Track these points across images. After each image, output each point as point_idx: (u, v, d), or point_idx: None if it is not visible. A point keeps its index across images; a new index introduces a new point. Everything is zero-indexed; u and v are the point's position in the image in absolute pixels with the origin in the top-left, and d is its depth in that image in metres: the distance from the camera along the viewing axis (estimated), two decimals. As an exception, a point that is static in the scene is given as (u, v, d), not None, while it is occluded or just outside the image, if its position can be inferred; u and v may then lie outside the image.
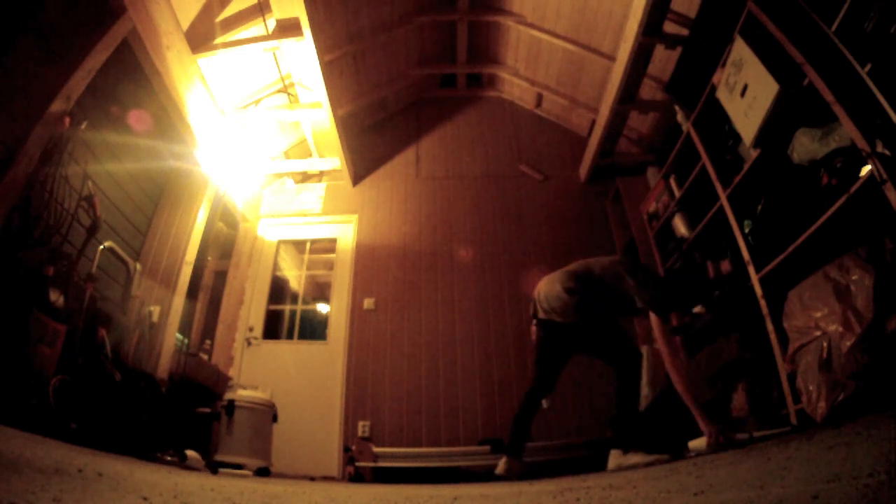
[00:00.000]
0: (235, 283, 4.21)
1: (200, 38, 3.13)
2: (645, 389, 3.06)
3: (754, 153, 2.30)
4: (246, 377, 3.73)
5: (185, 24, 2.94)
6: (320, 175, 4.85)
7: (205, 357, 3.50)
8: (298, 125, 4.54)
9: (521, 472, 2.15)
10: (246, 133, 4.01)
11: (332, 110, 3.79)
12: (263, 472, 2.81)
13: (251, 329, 4.03)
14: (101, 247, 2.67)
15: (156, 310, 3.05)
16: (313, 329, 4.90)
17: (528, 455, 2.43)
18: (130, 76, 2.76)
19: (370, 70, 4.56)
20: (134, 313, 2.89)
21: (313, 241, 4.64)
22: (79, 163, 2.46)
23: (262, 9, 3.33)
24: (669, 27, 3.28)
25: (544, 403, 2.34)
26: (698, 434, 2.54)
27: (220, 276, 4.45)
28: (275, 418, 3.14)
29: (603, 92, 3.84)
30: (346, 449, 3.47)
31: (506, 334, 3.84)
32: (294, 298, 4.47)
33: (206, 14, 3.16)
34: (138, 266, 3.04)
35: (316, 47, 3.25)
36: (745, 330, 2.35)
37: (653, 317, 2.15)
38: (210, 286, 4.55)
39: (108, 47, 2.34)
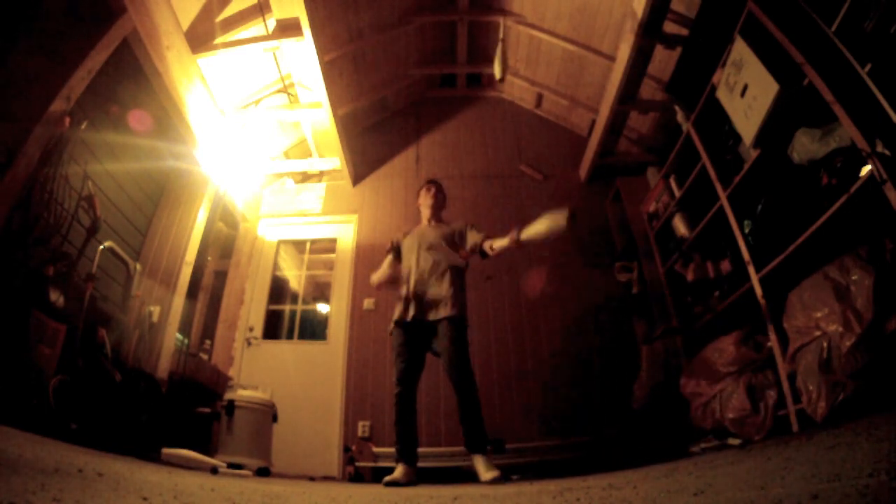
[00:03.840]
0: (235, 283, 4.21)
1: (200, 38, 3.13)
2: (644, 389, 3.06)
3: (754, 153, 2.30)
4: (246, 377, 3.72)
5: (185, 24, 2.94)
6: (320, 175, 4.85)
7: (205, 357, 3.50)
8: (298, 125, 4.53)
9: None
10: (246, 133, 4.01)
11: (332, 110, 3.79)
12: (263, 472, 2.81)
13: (251, 329, 4.03)
14: (101, 247, 2.67)
15: (156, 310, 3.05)
16: (313, 329, 4.89)
17: (522, 455, 2.41)
18: (130, 76, 2.76)
19: (370, 70, 4.56)
20: (134, 313, 2.89)
21: (313, 241, 4.64)
22: (79, 163, 2.46)
23: (262, 9, 3.33)
24: (669, 27, 3.28)
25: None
26: (694, 433, 2.54)
27: (220, 276, 4.45)
28: (275, 418, 3.14)
29: (603, 92, 3.84)
30: (346, 449, 3.47)
31: (505, 334, 3.84)
32: (294, 298, 4.47)
33: (206, 14, 3.16)
34: (138, 266, 3.05)
35: (316, 47, 3.25)
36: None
37: None
38: (210, 286, 4.55)
39: (108, 47, 2.34)
